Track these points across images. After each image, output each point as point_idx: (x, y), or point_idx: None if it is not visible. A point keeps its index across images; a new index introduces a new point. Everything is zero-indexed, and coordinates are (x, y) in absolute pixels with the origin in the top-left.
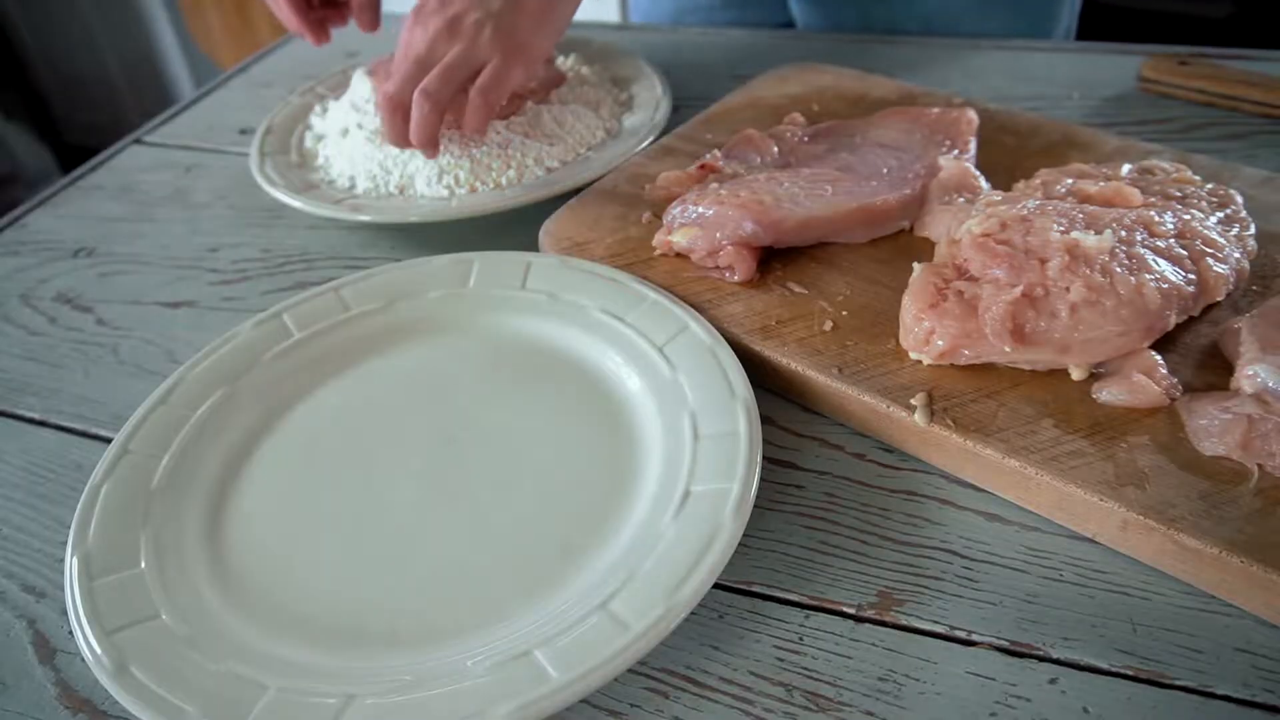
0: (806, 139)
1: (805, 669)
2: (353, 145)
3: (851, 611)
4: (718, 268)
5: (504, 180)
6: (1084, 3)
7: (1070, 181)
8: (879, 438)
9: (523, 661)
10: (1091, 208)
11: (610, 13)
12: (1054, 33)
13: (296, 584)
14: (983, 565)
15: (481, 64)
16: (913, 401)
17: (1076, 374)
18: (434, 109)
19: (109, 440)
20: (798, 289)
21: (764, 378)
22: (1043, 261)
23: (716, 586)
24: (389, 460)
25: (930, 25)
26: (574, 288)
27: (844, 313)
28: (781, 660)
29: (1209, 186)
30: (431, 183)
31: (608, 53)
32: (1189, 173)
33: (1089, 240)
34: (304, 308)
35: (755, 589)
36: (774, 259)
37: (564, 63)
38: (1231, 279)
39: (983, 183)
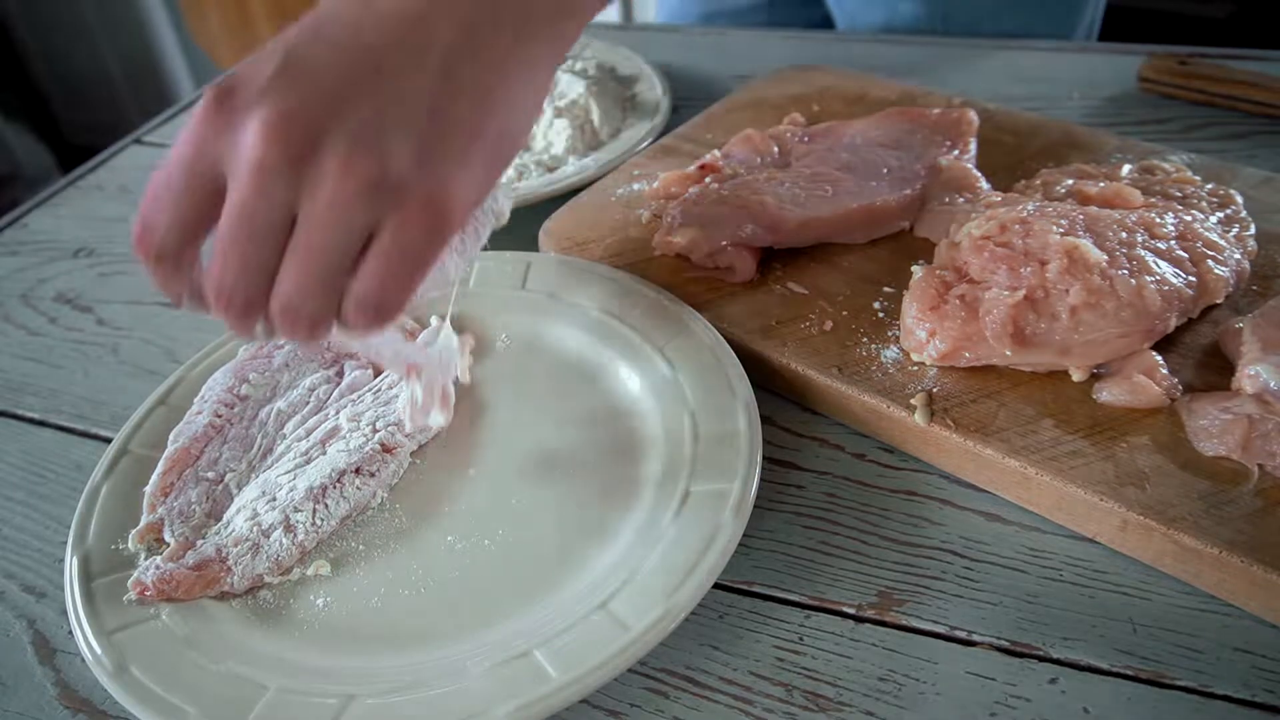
0: (806, 139)
1: (805, 669)
2: None
3: (851, 611)
4: (718, 268)
5: (504, 180)
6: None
7: (1071, 182)
8: (879, 438)
9: (523, 661)
10: (1092, 209)
11: (610, 12)
12: (1076, 30)
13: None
14: (983, 565)
15: (370, 228)
16: (913, 401)
17: (1077, 375)
18: (314, 334)
19: (109, 440)
20: (798, 289)
21: (764, 378)
22: (1042, 263)
23: (716, 586)
24: None
25: (950, 23)
26: (574, 288)
27: (844, 313)
28: (781, 660)
29: (1209, 187)
30: None
31: (608, 52)
32: (1189, 173)
33: (1088, 248)
34: None
35: (755, 589)
36: (774, 259)
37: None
38: (1232, 281)
39: (983, 183)
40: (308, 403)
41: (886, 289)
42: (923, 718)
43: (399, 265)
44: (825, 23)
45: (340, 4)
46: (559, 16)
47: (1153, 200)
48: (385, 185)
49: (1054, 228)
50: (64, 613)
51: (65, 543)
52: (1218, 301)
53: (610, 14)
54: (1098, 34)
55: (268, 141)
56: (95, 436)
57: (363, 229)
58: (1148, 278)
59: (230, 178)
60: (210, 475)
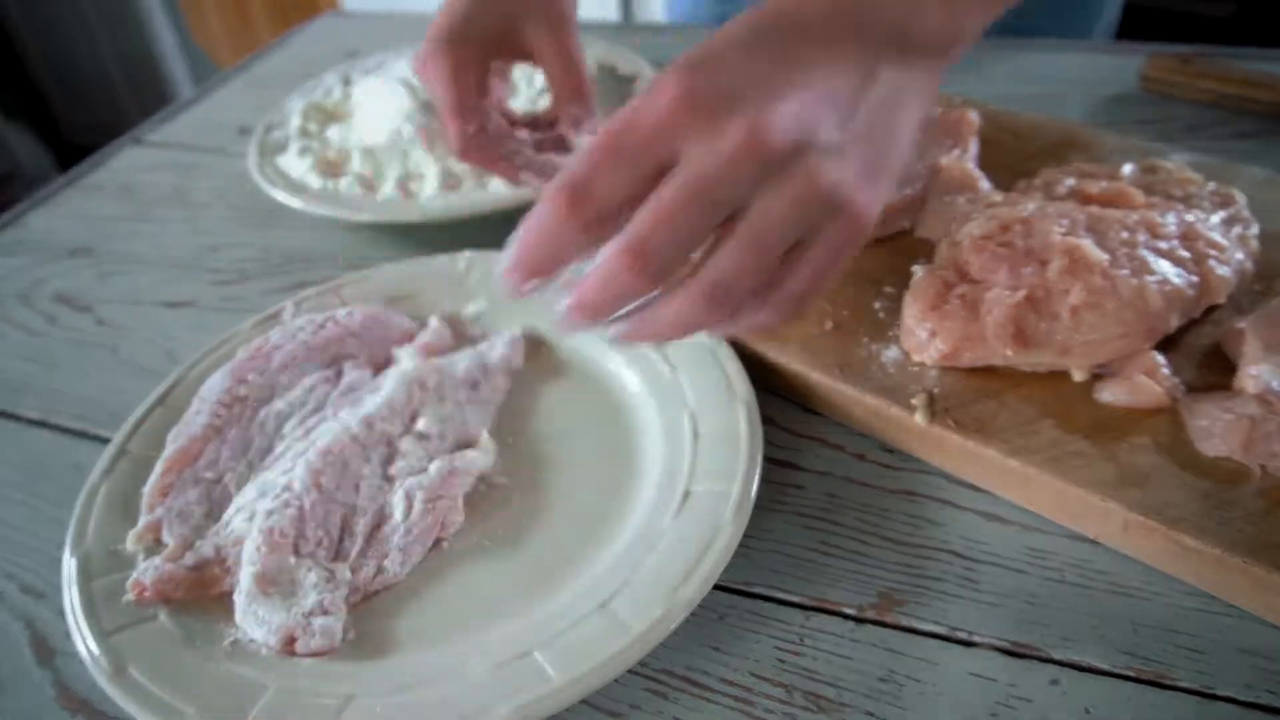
0: None
1: (806, 670)
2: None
3: (852, 612)
4: None
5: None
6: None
7: (1072, 182)
8: (879, 438)
9: (523, 661)
10: (1094, 209)
11: (610, 12)
12: (1094, 29)
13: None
14: (984, 566)
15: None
16: (913, 402)
17: (1078, 375)
18: (731, 319)
19: (108, 440)
20: None
21: (764, 378)
22: (1043, 263)
23: (717, 587)
24: None
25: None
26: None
27: (844, 313)
28: (782, 661)
29: (1211, 186)
30: (432, 183)
31: (608, 52)
32: (1190, 172)
33: (1089, 247)
34: (304, 307)
35: (755, 590)
36: None
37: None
38: (1234, 281)
39: (984, 183)
40: (306, 403)
41: (887, 289)
42: (923, 718)
43: (826, 267)
44: None
45: (772, 14)
46: (944, 56)
47: (1154, 200)
48: (834, 198)
49: (1055, 227)
50: (63, 613)
51: (64, 543)
52: (1219, 302)
53: (610, 14)
54: (1115, 36)
55: (749, 146)
56: (94, 437)
57: (808, 229)
58: (1149, 278)
59: (690, 157)
60: (209, 476)
